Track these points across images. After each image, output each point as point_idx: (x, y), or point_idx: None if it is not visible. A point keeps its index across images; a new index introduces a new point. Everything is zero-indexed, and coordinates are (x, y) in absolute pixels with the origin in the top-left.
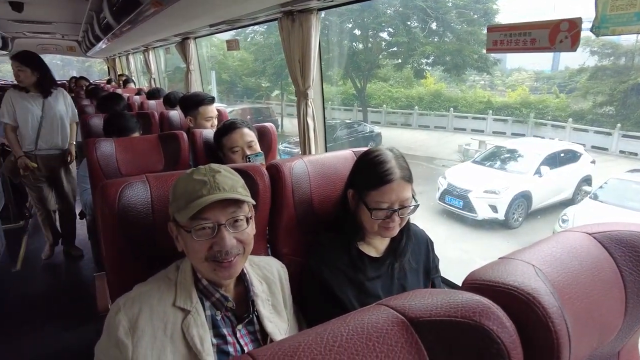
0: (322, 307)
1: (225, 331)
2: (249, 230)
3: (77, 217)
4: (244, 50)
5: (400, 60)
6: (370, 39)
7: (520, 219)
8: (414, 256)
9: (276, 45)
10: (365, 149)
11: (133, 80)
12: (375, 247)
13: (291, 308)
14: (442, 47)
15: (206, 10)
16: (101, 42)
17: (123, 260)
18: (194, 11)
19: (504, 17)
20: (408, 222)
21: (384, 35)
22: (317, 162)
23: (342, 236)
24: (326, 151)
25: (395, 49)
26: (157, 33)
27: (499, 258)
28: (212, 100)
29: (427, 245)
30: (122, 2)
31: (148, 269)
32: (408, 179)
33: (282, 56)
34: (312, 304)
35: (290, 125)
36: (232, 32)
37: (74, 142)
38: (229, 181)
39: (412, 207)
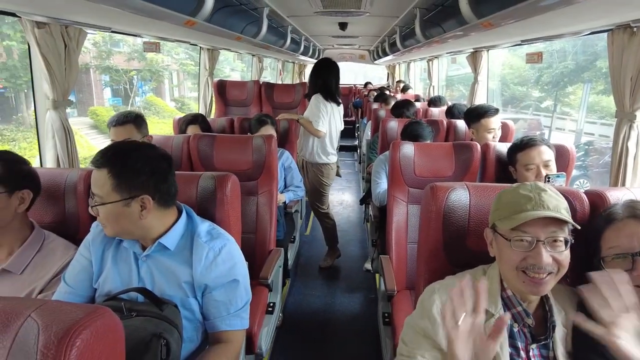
0: None
1: (519, 344)
2: (567, 253)
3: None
4: (519, 58)
5: None
6: None
7: None
8: None
9: (559, 52)
10: None
11: (410, 87)
12: None
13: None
14: None
15: (523, 31)
16: (395, 53)
17: (434, 252)
18: (509, 30)
19: None
20: None
21: None
22: None
23: None
24: None
25: None
26: (454, 46)
27: None
28: (495, 112)
29: None
30: (431, 20)
31: (451, 264)
32: None
33: (565, 64)
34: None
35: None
36: None
37: None
38: (553, 201)
39: None
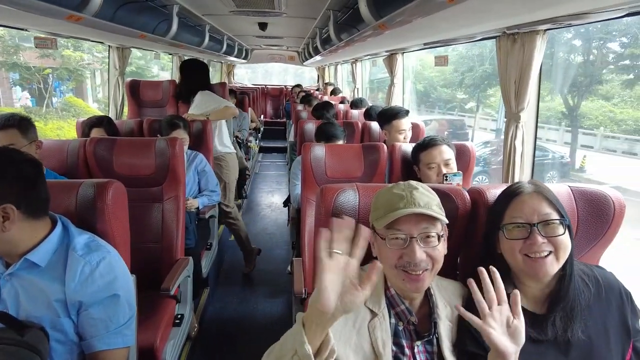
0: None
1: (404, 342)
2: (440, 248)
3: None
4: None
5: (632, 76)
6: (594, 50)
7: None
8: (598, 311)
9: (479, 57)
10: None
11: (340, 90)
12: (533, 297)
13: None
14: None
15: (424, 33)
16: (319, 54)
17: None
18: (412, 33)
19: None
20: (570, 260)
21: (614, 46)
22: None
23: None
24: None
25: (627, 62)
26: (370, 49)
27: None
28: (405, 113)
29: (620, 295)
30: (345, 22)
31: None
32: (546, 195)
33: (484, 68)
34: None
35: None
36: None
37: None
38: (425, 198)
39: (557, 224)
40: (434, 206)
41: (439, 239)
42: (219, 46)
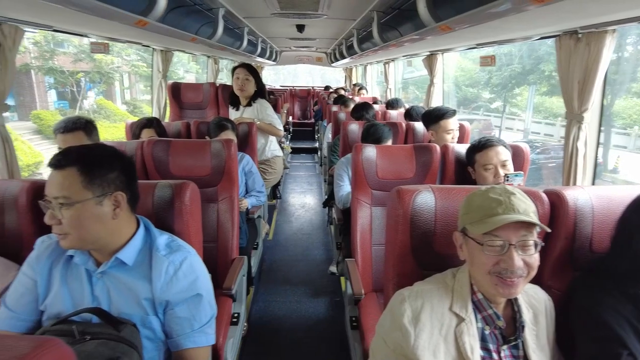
0: (601, 352)
1: (491, 346)
2: (537, 256)
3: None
4: (470, 61)
5: None
6: (629, 47)
7: None
8: None
9: (506, 55)
10: None
11: (366, 89)
12: None
13: (554, 343)
14: None
15: (483, 35)
16: (353, 56)
17: (402, 255)
18: (469, 34)
19: None
20: None
21: None
22: (603, 195)
23: (618, 281)
24: (593, 183)
25: None
26: (413, 49)
27: None
28: (453, 113)
29: None
30: (389, 24)
31: (420, 267)
32: None
33: (512, 67)
34: (586, 346)
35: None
36: None
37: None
38: (522, 204)
39: None
40: (532, 213)
41: (535, 247)
42: (253, 48)
